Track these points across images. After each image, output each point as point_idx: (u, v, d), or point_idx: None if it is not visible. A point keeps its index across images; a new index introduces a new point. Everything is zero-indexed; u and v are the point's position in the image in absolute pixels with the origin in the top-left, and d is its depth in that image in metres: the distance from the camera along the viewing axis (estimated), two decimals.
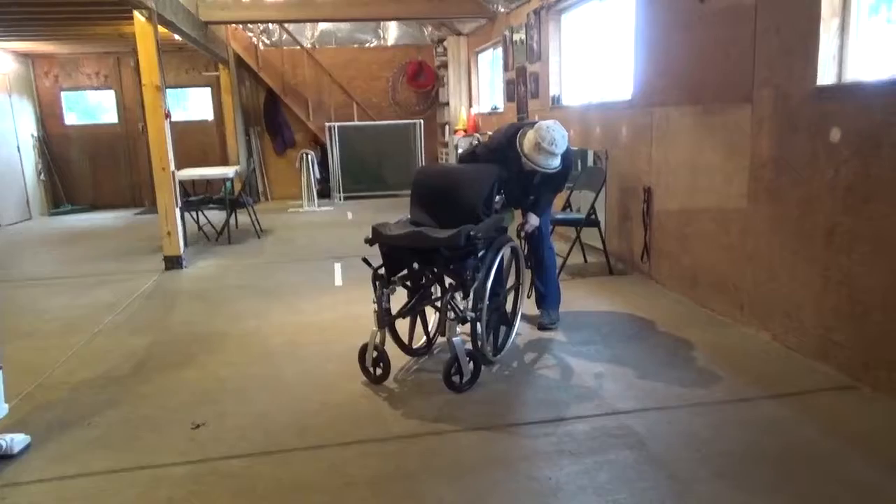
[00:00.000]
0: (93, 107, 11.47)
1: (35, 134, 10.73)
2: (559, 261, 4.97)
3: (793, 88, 3.41)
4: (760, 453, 2.54)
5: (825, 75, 3.24)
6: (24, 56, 10.57)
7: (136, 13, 5.72)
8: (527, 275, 4.00)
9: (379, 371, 3.33)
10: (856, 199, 3.03)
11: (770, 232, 3.66)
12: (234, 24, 10.19)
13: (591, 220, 5.31)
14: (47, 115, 11.00)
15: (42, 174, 10.76)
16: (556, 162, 3.66)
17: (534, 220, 3.94)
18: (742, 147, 3.86)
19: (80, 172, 11.28)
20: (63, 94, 11.08)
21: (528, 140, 3.64)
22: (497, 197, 3.72)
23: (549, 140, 3.57)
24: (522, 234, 3.97)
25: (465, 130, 10.17)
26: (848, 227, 3.09)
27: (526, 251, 4.06)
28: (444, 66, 10.99)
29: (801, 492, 2.28)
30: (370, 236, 3.35)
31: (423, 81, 11.74)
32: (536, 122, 3.73)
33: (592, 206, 5.30)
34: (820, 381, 3.17)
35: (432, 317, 3.76)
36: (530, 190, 3.89)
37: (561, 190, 4.06)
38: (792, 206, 3.47)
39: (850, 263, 3.09)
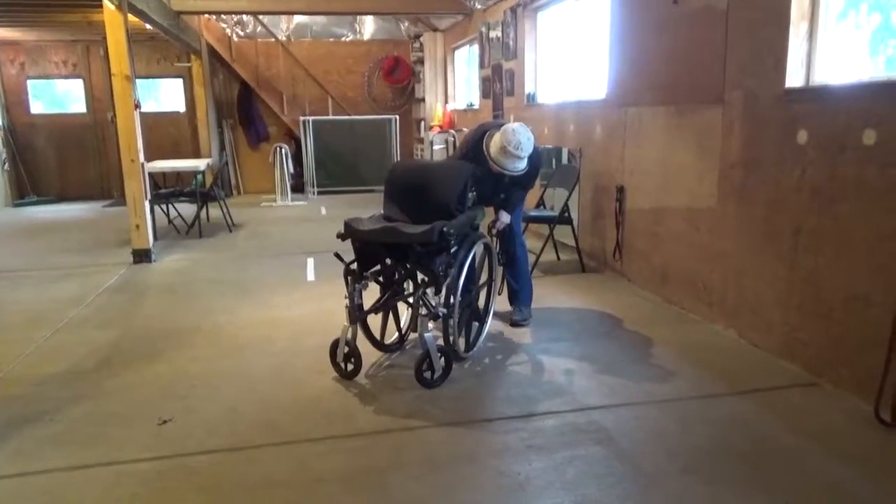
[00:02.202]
0: (60, 96, 11.21)
1: None
2: (532, 258, 4.99)
3: (762, 90, 3.46)
4: (726, 448, 2.59)
5: (794, 78, 3.30)
6: None
7: (105, 1, 5.60)
8: (499, 271, 4.02)
9: (350, 366, 3.32)
10: (821, 200, 3.10)
11: (738, 231, 3.72)
12: (207, 15, 10.02)
13: (564, 218, 5.34)
14: (12, 104, 10.71)
15: (6, 164, 10.48)
16: (522, 165, 3.69)
17: (505, 218, 3.96)
18: (713, 147, 3.91)
19: (47, 163, 11.01)
20: (29, 82, 10.80)
21: (494, 143, 3.66)
22: (469, 194, 3.72)
23: (515, 143, 3.59)
24: (494, 231, 3.99)
25: (440, 127, 10.15)
26: (813, 227, 3.16)
27: (498, 248, 4.08)
28: (421, 61, 10.95)
29: (765, 486, 2.33)
30: (343, 231, 3.33)
31: (399, 77, 11.70)
32: (503, 125, 3.74)
33: (566, 204, 5.34)
34: (784, 378, 3.24)
35: (405, 313, 3.75)
36: (501, 188, 3.90)
37: (531, 188, 4.08)
38: (760, 206, 3.53)
39: (815, 263, 3.16)
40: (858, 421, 2.78)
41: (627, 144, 4.95)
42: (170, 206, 7.55)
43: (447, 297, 3.21)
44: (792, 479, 2.37)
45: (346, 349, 3.29)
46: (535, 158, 3.81)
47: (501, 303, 4.21)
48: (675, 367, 3.40)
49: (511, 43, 7.42)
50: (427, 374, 3.17)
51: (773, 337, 3.48)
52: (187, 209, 7.68)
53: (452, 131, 9.59)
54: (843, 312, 3.01)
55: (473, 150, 3.79)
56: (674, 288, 4.43)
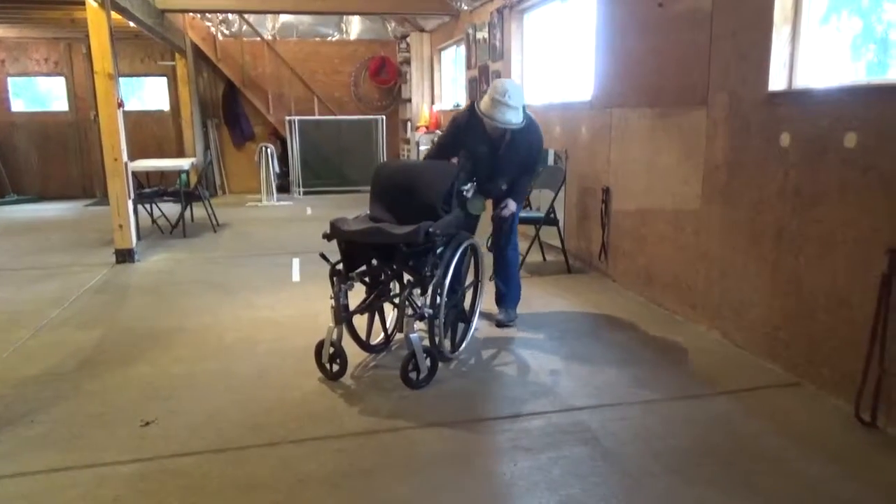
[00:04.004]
0: (42, 94, 11.07)
1: None
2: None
3: (746, 93, 3.49)
4: (710, 448, 2.60)
5: (777, 81, 3.34)
6: None
7: None
8: (485, 272, 4.01)
9: (336, 367, 3.30)
10: (803, 202, 3.13)
11: (722, 232, 3.75)
12: (191, 13, 9.95)
13: (550, 219, 5.36)
14: None
15: None
16: (514, 116, 3.66)
17: (512, 206, 3.95)
18: (697, 149, 3.95)
19: (28, 161, 10.87)
20: (10, 79, 10.66)
21: (484, 100, 3.70)
22: (469, 184, 3.75)
23: (501, 90, 3.60)
24: (499, 217, 3.96)
25: (426, 127, 10.15)
26: (796, 229, 3.19)
27: (490, 240, 4.07)
28: (407, 62, 10.94)
29: (748, 486, 2.35)
30: (329, 231, 3.32)
31: (386, 77, 11.68)
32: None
33: (552, 205, 5.36)
34: (767, 379, 3.27)
35: (391, 313, 3.74)
36: (502, 167, 3.88)
37: (534, 173, 4.03)
38: (744, 207, 3.56)
39: (797, 265, 3.19)
40: (839, 421, 2.82)
41: (613, 146, 4.97)
42: (153, 205, 7.48)
43: (433, 298, 3.20)
44: (774, 479, 2.39)
45: (332, 350, 3.28)
46: (535, 131, 3.84)
47: (488, 303, 4.21)
48: (660, 367, 3.42)
49: (497, 44, 7.43)
50: (413, 375, 3.17)
51: (756, 338, 3.51)
52: (171, 209, 7.62)
53: (439, 132, 9.58)
54: (825, 313, 3.04)
55: (468, 118, 3.81)
56: (658, 289, 4.45)
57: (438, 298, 3.22)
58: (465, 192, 3.87)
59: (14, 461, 2.57)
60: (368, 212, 3.60)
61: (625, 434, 2.72)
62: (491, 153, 3.83)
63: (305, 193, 10.67)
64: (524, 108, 3.75)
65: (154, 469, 2.50)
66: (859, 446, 2.62)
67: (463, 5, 8.46)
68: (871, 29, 3.19)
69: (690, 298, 4.09)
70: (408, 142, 11.13)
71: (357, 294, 3.43)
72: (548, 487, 2.35)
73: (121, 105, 5.83)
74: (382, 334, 3.68)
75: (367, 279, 3.45)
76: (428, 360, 3.20)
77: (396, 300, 3.46)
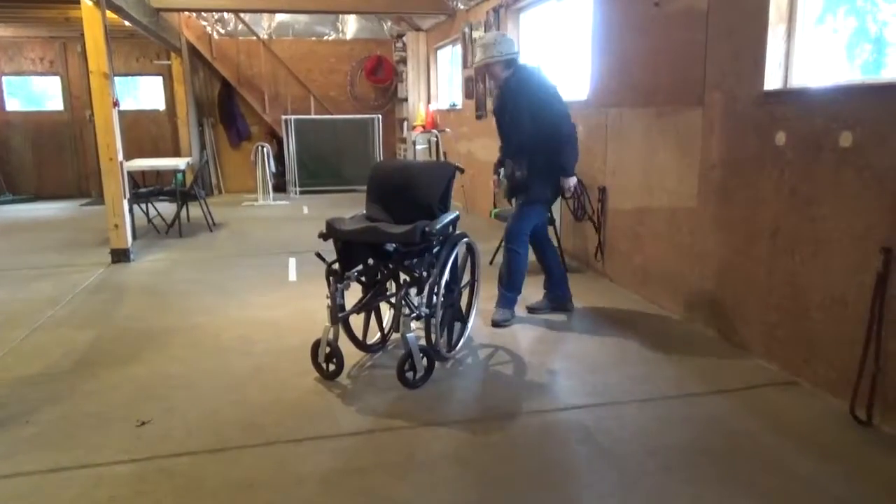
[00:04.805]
0: (37, 93, 11.03)
1: None
2: None
3: (742, 92, 3.50)
4: (707, 447, 2.61)
5: (772, 80, 3.34)
6: None
7: None
8: (481, 272, 4.01)
9: (332, 367, 3.30)
10: (799, 200, 3.14)
11: (718, 231, 3.76)
12: (187, 12, 9.92)
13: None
14: None
15: None
16: (491, 51, 3.95)
17: (570, 183, 4.09)
18: (693, 149, 3.95)
19: (23, 161, 10.83)
20: (5, 79, 10.62)
21: None
22: (501, 168, 4.10)
23: (480, 37, 4.01)
24: (568, 196, 4.21)
25: (423, 126, 10.13)
26: (791, 227, 3.20)
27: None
28: (403, 61, 10.93)
29: (744, 484, 2.35)
30: (325, 231, 3.31)
31: (382, 76, 11.66)
32: None
33: None
34: (763, 377, 3.27)
35: (387, 313, 3.74)
36: (505, 133, 4.09)
37: (568, 141, 4.03)
38: (739, 206, 3.57)
39: (793, 263, 3.20)
40: (835, 419, 2.82)
41: (609, 145, 4.98)
42: (149, 205, 7.46)
43: (429, 297, 3.20)
44: (770, 477, 2.40)
45: (328, 349, 3.28)
46: (528, 77, 4.01)
47: (486, 302, 4.21)
48: (656, 366, 3.43)
49: None
50: (409, 375, 3.17)
51: (752, 336, 3.52)
52: (167, 208, 7.60)
53: (435, 131, 9.57)
54: (820, 312, 3.05)
55: (495, 90, 4.20)
56: (655, 287, 4.46)
57: (435, 298, 3.22)
58: (499, 176, 4.14)
59: (9, 462, 2.56)
60: (365, 211, 3.60)
61: (621, 432, 2.73)
62: (494, 111, 4.13)
63: (302, 193, 10.66)
64: (515, 55, 4.02)
65: (150, 469, 2.50)
66: (855, 444, 2.63)
67: (459, 4, 8.45)
68: (865, 28, 3.20)
69: (686, 297, 4.09)
70: (404, 141, 11.12)
71: (353, 293, 3.43)
72: (545, 486, 2.35)
73: (116, 104, 5.82)
74: (379, 334, 3.68)
75: (363, 279, 3.45)
76: (424, 359, 3.20)
77: (393, 300, 3.46)
